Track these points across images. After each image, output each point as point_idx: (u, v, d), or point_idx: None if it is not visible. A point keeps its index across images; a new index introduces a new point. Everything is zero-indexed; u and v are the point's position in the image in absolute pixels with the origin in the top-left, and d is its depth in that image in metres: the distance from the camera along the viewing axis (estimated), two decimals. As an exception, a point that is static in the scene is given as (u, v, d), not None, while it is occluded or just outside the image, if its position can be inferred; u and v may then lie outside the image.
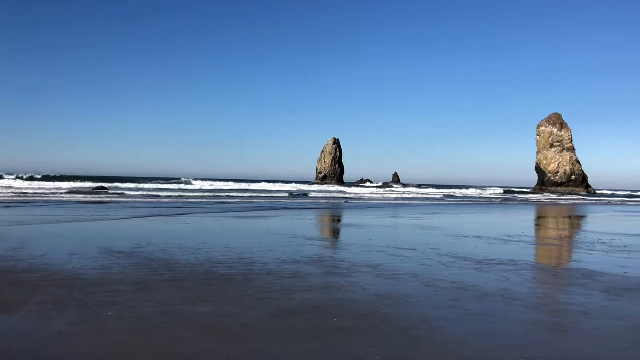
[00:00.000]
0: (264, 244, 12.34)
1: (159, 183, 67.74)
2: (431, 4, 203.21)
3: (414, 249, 11.95)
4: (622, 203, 61.99)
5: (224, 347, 4.85)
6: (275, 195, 49.02)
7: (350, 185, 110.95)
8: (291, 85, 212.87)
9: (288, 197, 46.45)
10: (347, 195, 53.99)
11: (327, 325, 5.60)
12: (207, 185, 66.63)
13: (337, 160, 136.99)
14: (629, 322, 5.90)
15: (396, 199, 51.35)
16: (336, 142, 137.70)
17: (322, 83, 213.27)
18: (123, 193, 41.05)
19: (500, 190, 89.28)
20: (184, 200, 35.72)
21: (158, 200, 34.82)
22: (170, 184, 67.59)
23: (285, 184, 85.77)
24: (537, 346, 5.01)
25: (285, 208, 29.37)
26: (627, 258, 11.32)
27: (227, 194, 45.82)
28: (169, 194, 42.55)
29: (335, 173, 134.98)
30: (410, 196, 58.43)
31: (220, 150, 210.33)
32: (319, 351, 4.78)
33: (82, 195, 36.85)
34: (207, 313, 5.98)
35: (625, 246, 13.62)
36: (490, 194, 75.48)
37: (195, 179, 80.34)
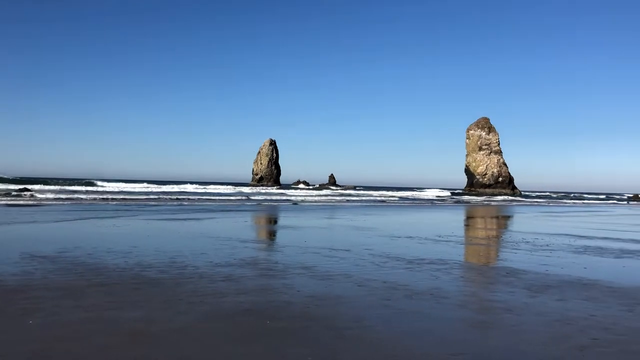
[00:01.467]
0: (197, 247, 12.13)
1: (77, 185, 64.27)
2: (363, 7, 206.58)
3: (348, 250, 12.09)
4: (545, 204, 65.19)
5: (152, 352, 4.72)
6: (211, 197, 48.27)
7: (287, 187, 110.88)
8: (225, 86, 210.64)
9: (224, 198, 45.86)
10: (284, 197, 53.92)
11: (259, 327, 5.57)
12: (138, 187, 64.68)
13: (274, 162, 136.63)
14: (548, 318, 6.21)
15: (333, 200, 51.78)
16: (272, 144, 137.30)
17: (257, 84, 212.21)
18: (46, 196, 39.18)
19: (434, 192, 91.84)
20: (113, 202, 34.55)
21: (83, 202, 33.51)
22: (90, 185, 64.20)
23: (219, 185, 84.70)
24: (464, 342, 5.18)
25: (221, 210, 28.99)
26: (548, 256, 11.91)
27: (159, 196, 44.70)
28: (94, 195, 40.91)
29: (271, 174, 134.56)
30: (347, 198, 59.06)
31: (155, 151, 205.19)
32: (251, 354, 4.75)
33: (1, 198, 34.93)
34: (135, 318, 5.81)
35: (547, 245, 14.31)
36: (424, 196, 77.46)
37: (111, 181, 77.81)
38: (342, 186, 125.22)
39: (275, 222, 22.72)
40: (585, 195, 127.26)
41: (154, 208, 29.00)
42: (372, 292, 7.49)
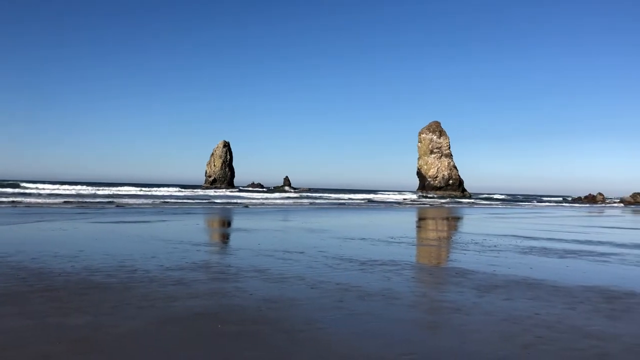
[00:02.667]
0: (148, 250, 11.88)
1: (19, 188, 61.55)
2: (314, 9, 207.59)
3: (302, 252, 12.09)
4: (494, 206, 67.01)
5: (98, 359, 4.60)
6: (164, 199, 47.39)
7: (241, 189, 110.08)
8: (180, 86, 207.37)
9: (176, 200, 45.11)
10: (237, 200, 53.49)
11: (211, 331, 5.50)
12: (86, 189, 62.89)
13: (228, 164, 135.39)
14: (496, 317, 6.38)
15: (287, 203, 51.73)
16: (226, 145, 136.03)
17: (211, 85, 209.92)
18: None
19: (389, 194, 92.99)
20: (54, 205, 33.47)
21: (19, 205, 32.32)
22: (16, 187, 60.88)
23: (170, 188, 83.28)
24: (414, 343, 5.26)
25: (173, 213, 28.51)
26: (496, 257, 12.24)
27: (108, 200, 43.58)
28: (35, 199, 39.21)
29: (225, 176, 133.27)
30: (301, 200, 59.09)
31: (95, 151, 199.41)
32: (202, 358, 4.68)
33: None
34: (81, 324, 5.64)
35: (495, 246, 14.71)
36: (378, 198, 78.30)
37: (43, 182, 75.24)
38: (297, 188, 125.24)
39: (229, 224, 22.51)
40: (533, 197, 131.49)
41: (102, 210, 28.25)
42: (325, 294, 7.52)
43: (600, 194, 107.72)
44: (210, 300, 6.97)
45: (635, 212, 57.54)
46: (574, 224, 28.14)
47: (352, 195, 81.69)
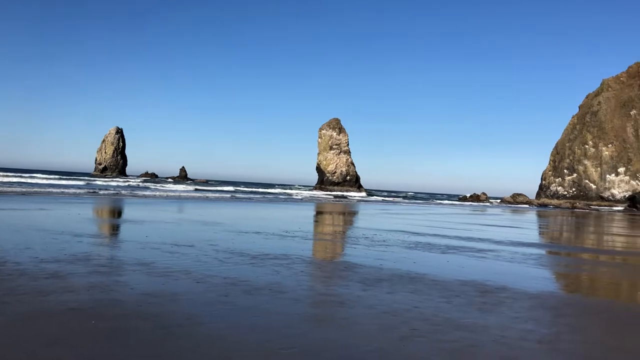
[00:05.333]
0: (21, 240, 11.03)
1: None
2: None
3: (191, 246, 11.79)
4: (388, 202, 69.45)
5: (-52, 361, 4.17)
6: (51, 188, 44.35)
7: (133, 178, 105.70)
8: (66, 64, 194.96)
9: (62, 187, 42.37)
10: (130, 189, 51.25)
11: (82, 328, 5.17)
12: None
13: (120, 152, 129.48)
14: (378, 310, 6.56)
15: (182, 194, 50.35)
16: (119, 132, 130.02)
17: (103, 68, 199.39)
18: None
19: (288, 188, 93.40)
20: None
21: None
22: None
23: (58, 176, 78.30)
24: (296, 336, 5.27)
25: (54, 202, 26.74)
26: (384, 251, 12.65)
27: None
28: None
29: (116, 165, 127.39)
30: (198, 192, 57.78)
31: None
32: (68, 357, 4.39)
33: None
34: None
35: (384, 241, 15.20)
36: (277, 192, 78.38)
37: None
38: (194, 180, 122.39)
39: (117, 215, 21.49)
40: (423, 195, 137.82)
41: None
42: (210, 288, 7.35)
43: (483, 193, 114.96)
44: (86, 294, 6.57)
45: (513, 211, 62.06)
46: (458, 221, 29.80)
47: (250, 189, 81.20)
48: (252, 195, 59.50)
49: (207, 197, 47.63)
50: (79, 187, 48.93)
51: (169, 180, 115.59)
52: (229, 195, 54.77)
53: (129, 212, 22.67)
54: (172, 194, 49.21)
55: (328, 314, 6.27)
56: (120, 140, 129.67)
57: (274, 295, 7.08)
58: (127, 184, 68.03)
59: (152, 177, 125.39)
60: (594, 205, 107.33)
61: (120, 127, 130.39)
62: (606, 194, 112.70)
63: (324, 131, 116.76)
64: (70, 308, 5.88)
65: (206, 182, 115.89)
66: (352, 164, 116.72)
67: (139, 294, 6.78)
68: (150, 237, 13.09)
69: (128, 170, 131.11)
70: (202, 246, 11.80)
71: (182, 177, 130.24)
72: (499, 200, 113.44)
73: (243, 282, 7.86)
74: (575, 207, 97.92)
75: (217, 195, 54.00)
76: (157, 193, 47.90)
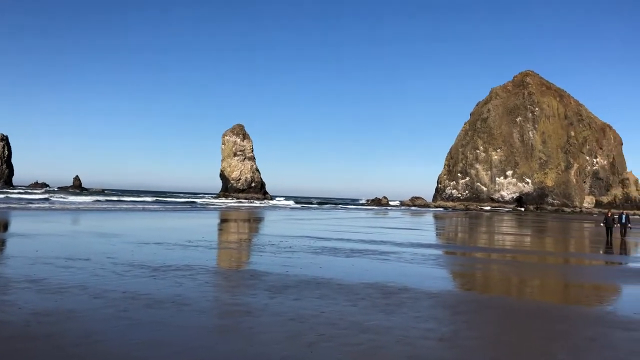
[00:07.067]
0: None
1: None
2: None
3: (87, 259, 11.15)
4: (294, 208, 69.73)
5: None
6: None
7: (23, 188, 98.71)
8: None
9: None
10: (17, 200, 47.71)
11: (-38, 355, 4.71)
12: None
13: (5, 160, 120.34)
14: (285, 317, 6.53)
15: (78, 204, 47.61)
16: (4, 139, 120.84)
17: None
18: None
19: (192, 196, 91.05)
20: None
21: None
22: None
23: None
24: (202, 349, 5.11)
25: None
26: (290, 258, 12.66)
27: None
28: None
29: (2, 174, 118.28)
30: (96, 203, 54.93)
31: None
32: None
33: None
34: None
35: (290, 247, 15.23)
36: (179, 200, 76.21)
37: None
38: (89, 189, 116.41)
39: (2, 229, 19.90)
40: (328, 200, 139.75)
41: None
42: (109, 303, 6.98)
43: (385, 197, 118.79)
44: (-34, 318, 6.00)
45: (412, 213, 64.60)
46: (362, 225, 30.52)
47: (152, 198, 78.40)
48: (152, 205, 57.46)
49: (104, 207, 45.38)
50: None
51: (58, 189, 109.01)
52: (127, 205, 52.51)
53: (16, 225, 21.06)
54: (66, 205, 46.38)
55: (234, 324, 6.15)
56: (6, 148, 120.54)
57: (177, 308, 6.84)
58: (15, 195, 63.27)
59: (43, 187, 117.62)
60: (486, 206, 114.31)
61: (5, 134, 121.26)
62: (496, 196, 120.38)
63: (227, 137, 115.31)
64: (-53, 334, 5.34)
65: (102, 192, 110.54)
66: (257, 170, 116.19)
67: (28, 313, 6.29)
68: (42, 251, 12.22)
69: (15, 180, 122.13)
70: (99, 259, 11.20)
71: (76, 186, 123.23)
72: (399, 203, 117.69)
73: (144, 296, 7.53)
74: (468, 209, 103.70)
75: (115, 205, 51.62)
76: (49, 204, 44.93)
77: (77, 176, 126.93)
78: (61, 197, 60.85)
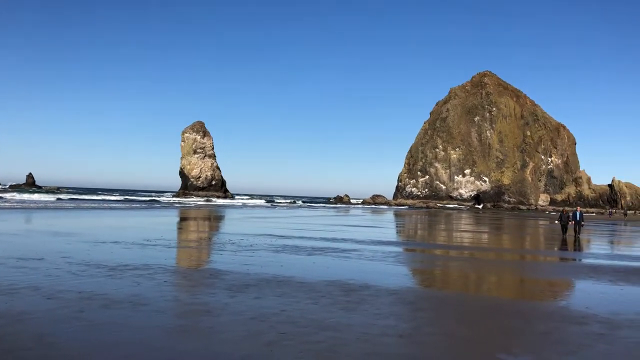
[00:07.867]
0: None
1: None
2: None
3: (41, 259, 10.82)
4: (255, 206, 69.33)
5: None
6: None
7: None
8: None
9: None
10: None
11: None
12: None
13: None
14: (245, 316, 6.48)
15: (31, 203, 46.15)
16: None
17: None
18: None
19: (149, 194, 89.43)
20: None
21: None
22: None
23: None
24: (159, 350, 5.02)
25: None
26: (251, 256, 12.58)
27: None
28: None
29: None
30: (48, 200, 53.34)
31: None
32: None
33: None
34: None
35: (251, 245, 15.13)
36: (137, 198, 74.79)
37: None
38: (44, 187, 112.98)
39: (-49, 228, 19.12)
40: (290, 198, 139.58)
41: None
42: (63, 304, 6.78)
43: (346, 195, 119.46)
44: None
45: (373, 211, 65.18)
46: (324, 223, 30.59)
47: (109, 197, 76.70)
48: (109, 204, 56.22)
49: (62, 206, 44.15)
50: None
51: (9, 187, 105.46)
52: (83, 203, 51.24)
53: (-35, 225, 20.28)
54: (20, 203, 44.89)
55: (193, 323, 6.07)
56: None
57: (135, 309, 6.70)
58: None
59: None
60: (445, 204, 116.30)
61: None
62: (455, 194, 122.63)
63: (187, 134, 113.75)
64: None
65: (57, 190, 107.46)
66: (218, 168, 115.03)
67: (-24, 316, 6.05)
68: (-8, 251, 11.80)
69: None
70: (53, 259, 10.88)
71: (30, 184, 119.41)
72: (360, 201, 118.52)
73: (100, 296, 7.36)
74: (428, 206, 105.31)
75: (72, 204, 50.27)
76: (3, 203, 43.41)
77: (30, 174, 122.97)
78: (15, 195, 58.92)
